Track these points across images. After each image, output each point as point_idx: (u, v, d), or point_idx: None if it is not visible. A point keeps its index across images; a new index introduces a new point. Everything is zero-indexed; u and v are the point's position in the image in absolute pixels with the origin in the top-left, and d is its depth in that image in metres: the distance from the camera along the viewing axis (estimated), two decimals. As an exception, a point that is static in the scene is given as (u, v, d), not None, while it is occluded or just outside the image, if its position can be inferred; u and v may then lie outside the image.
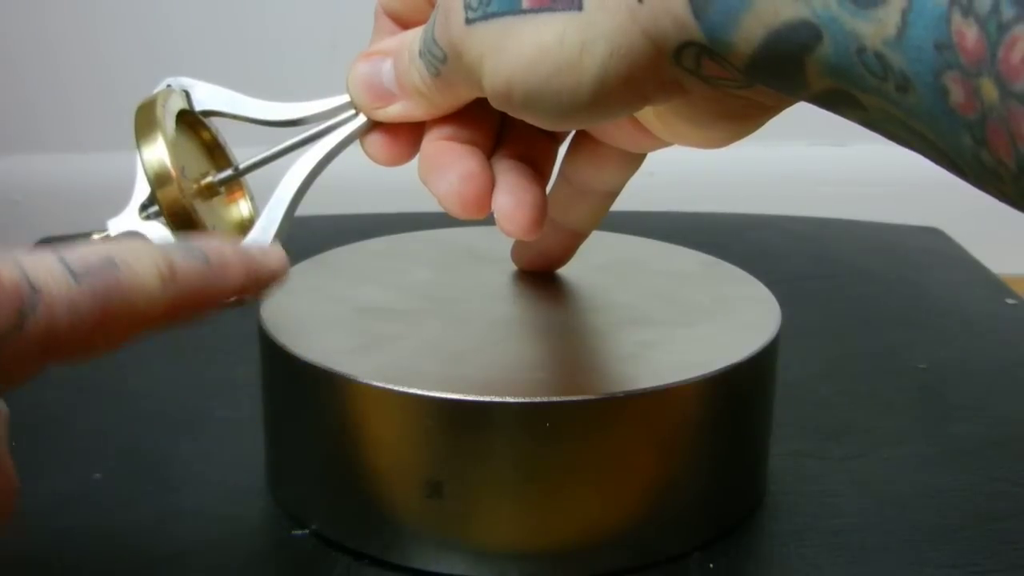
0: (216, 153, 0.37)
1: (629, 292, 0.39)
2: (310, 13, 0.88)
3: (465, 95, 0.31)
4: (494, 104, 0.29)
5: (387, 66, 0.32)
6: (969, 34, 0.20)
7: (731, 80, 0.25)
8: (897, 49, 0.21)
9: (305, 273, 0.41)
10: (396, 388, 0.32)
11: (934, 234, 0.67)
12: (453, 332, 0.36)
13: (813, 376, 0.47)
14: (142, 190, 0.35)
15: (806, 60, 0.23)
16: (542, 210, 0.31)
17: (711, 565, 0.34)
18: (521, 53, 0.27)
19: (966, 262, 0.63)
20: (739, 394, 0.35)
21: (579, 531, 0.33)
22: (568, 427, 0.31)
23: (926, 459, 0.40)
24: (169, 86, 0.35)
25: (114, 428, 0.42)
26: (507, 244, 0.44)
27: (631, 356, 0.34)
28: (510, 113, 0.29)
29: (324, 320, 0.37)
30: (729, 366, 0.33)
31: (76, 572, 0.33)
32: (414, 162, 0.34)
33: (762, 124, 0.30)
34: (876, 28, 0.21)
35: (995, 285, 0.59)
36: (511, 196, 0.31)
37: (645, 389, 0.32)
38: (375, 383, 0.32)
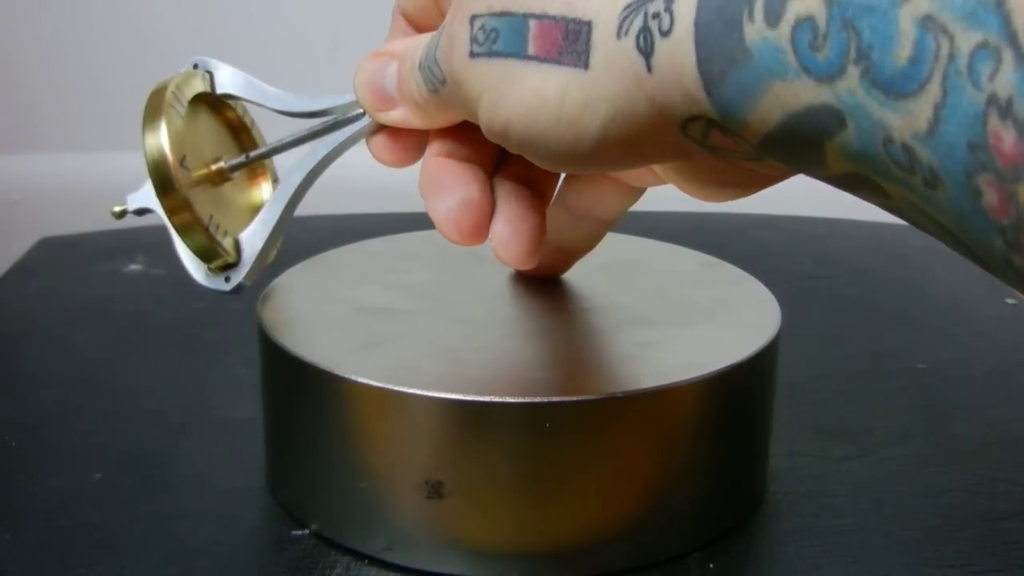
0: (242, 134, 0.37)
1: (629, 292, 0.39)
2: (310, 13, 0.88)
3: (462, 118, 0.30)
4: (489, 138, 0.28)
5: (392, 69, 0.32)
6: (1007, 137, 0.18)
7: (740, 153, 0.24)
8: (927, 144, 0.20)
9: (305, 273, 0.41)
10: (396, 388, 0.32)
11: (934, 234, 0.67)
12: (453, 332, 0.36)
13: (813, 376, 0.47)
14: None
15: (826, 144, 0.21)
16: (539, 241, 0.31)
17: (711, 565, 0.34)
18: (521, 99, 0.26)
19: (966, 262, 0.62)
20: (739, 394, 0.35)
21: (579, 531, 0.33)
22: (568, 427, 0.31)
23: (926, 459, 0.40)
24: (196, 66, 0.35)
25: (114, 428, 0.42)
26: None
27: (631, 356, 0.34)
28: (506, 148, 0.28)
29: (324, 320, 0.37)
30: (729, 366, 0.33)
31: (76, 572, 0.33)
32: (416, 166, 0.34)
33: (767, 187, 0.29)
34: (906, 120, 0.20)
35: (995, 285, 0.59)
36: (509, 225, 0.31)
37: (645, 389, 0.32)
38: (375, 383, 0.32)
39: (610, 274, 0.41)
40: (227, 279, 0.35)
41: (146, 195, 0.34)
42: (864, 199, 0.23)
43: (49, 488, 0.38)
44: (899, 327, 0.53)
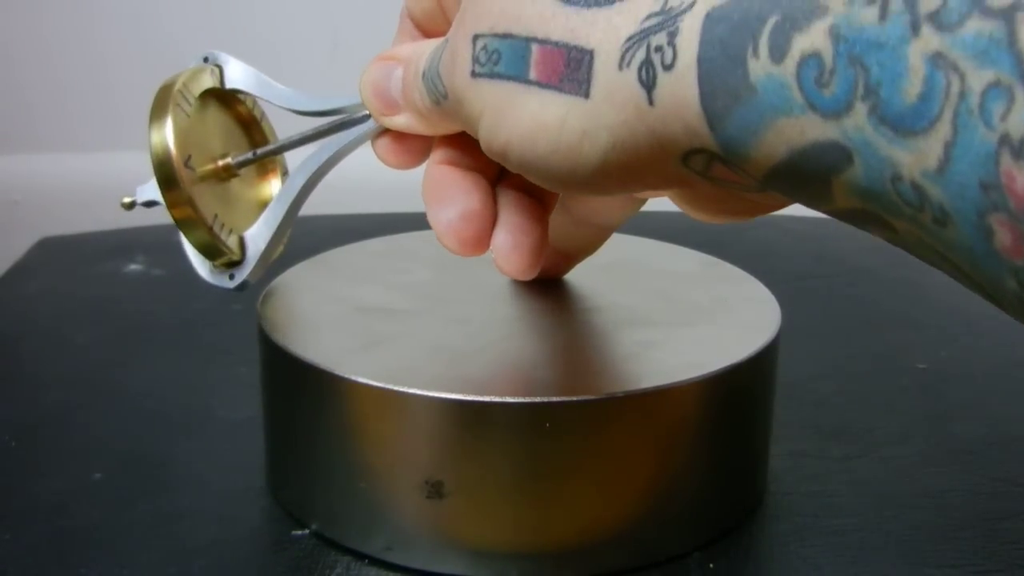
0: (252, 128, 0.37)
1: (629, 292, 0.39)
2: (310, 13, 0.88)
3: (463, 129, 0.30)
4: (489, 156, 0.28)
5: (397, 74, 0.31)
6: (1020, 178, 0.18)
7: (742, 185, 0.24)
8: (937, 182, 0.19)
9: (305, 273, 0.41)
10: (396, 388, 0.32)
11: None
12: (453, 332, 0.36)
13: (813, 376, 0.47)
14: None
15: (833, 181, 0.21)
16: (540, 254, 0.31)
17: (711, 565, 0.34)
18: (521, 122, 0.26)
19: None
20: (739, 394, 0.35)
21: (579, 531, 0.33)
22: (568, 427, 0.31)
23: (926, 459, 0.40)
24: (206, 60, 0.35)
25: (114, 428, 0.42)
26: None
27: (631, 356, 0.34)
28: None
29: (324, 320, 0.37)
30: (729, 366, 0.33)
31: (76, 572, 0.33)
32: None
33: (768, 213, 0.29)
34: (915, 158, 0.19)
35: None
36: (510, 237, 0.31)
37: (645, 389, 0.32)
38: (375, 383, 0.32)
39: (610, 274, 0.41)
40: (231, 276, 0.35)
41: (154, 188, 0.35)
42: (871, 233, 0.22)
43: (49, 488, 0.38)
44: (899, 327, 0.53)
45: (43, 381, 0.47)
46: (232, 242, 0.34)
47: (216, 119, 0.36)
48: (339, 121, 0.34)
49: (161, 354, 0.50)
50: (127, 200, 0.36)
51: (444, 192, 0.31)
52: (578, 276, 0.40)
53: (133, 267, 0.61)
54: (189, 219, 0.33)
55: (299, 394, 0.34)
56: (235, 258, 0.35)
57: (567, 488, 0.32)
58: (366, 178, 0.56)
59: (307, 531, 0.35)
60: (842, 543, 0.35)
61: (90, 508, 0.37)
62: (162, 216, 0.35)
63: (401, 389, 0.32)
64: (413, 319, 0.37)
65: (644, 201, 0.36)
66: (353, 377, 0.32)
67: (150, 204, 0.36)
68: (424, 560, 0.33)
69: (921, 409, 0.44)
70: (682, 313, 0.38)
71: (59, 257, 0.65)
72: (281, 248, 0.36)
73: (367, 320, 0.37)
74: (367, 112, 0.33)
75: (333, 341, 0.35)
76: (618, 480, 0.33)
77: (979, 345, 0.51)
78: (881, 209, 0.21)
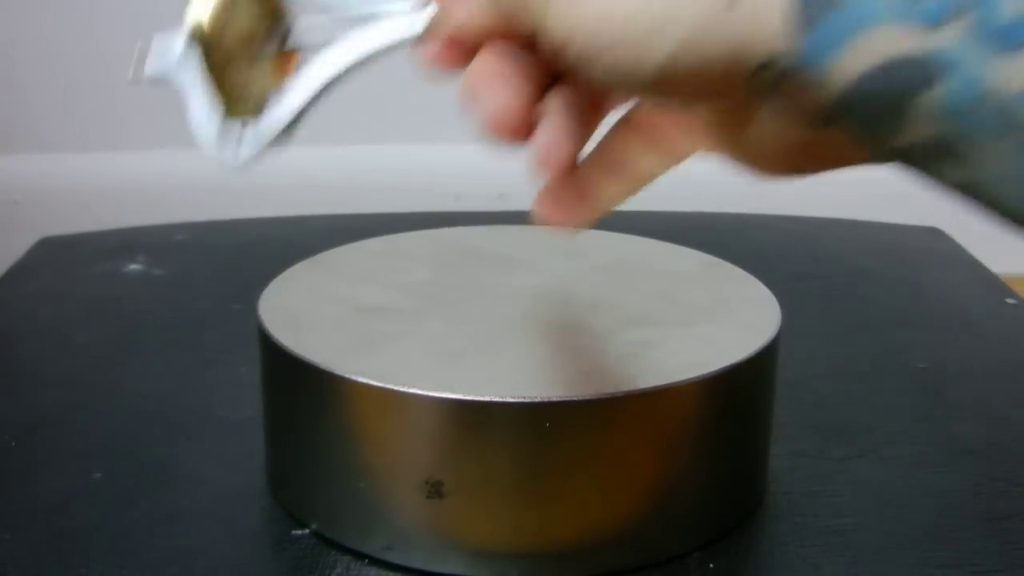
0: (282, 23, 0.36)
1: (629, 292, 0.39)
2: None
3: (526, 19, 0.28)
4: (547, 48, 0.27)
5: None
6: None
7: (807, 109, 0.23)
8: None
9: (305, 273, 0.41)
10: (396, 388, 0.32)
11: (934, 234, 0.67)
12: (453, 332, 0.36)
13: (813, 376, 0.47)
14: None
15: (914, 100, 0.20)
16: (574, 161, 0.29)
17: (711, 565, 0.34)
18: (589, 9, 0.25)
19: (966, 262, 0.63)
20: (739, 394, 0.35)
21: (579, 531, 0.33)
22: (568, 427, 0.31)
23: (926, 459, 0.40)
24: None
25: (114, 428, 0.42)
26: (507, 244, 0.44)
27: (631, 356, 0.34)
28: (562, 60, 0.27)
29: (324, 320, 0.37)
30: (729, 366, 0.33)
31: (76, 572, 0.33)
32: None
33: (815, 173, 0.27)
34: (1011, 77, 0.19)
35: (995, 285, 0.59)
36: (553, 132, 0.29)
37: (645, 389, 0.32)
38: (375, 383, 0.32)
39: (610, 274, 0.41)
40: (238, 143, 0.32)
41: (176, 40, 0.33)
42: (927, 175, 0.21)
43: (49, 488, 0.38)
44: (899, 327, 0.53)
45: (43, 381, 0.47)
46: (252, 102, 0.32)
47: (250, 8, 0.35)
48: (380, 16, 0.31)
49: (161, 354, 0.50)
50: (134, 72, 0.34)
51: (493, 79, 0.29)
52: (578, 276, 0.40)
53: (133, 267, 0.61)
54: (218, 87, 0.32)
55: (299, 394, 0.34)
56: (252, 114, 0.32)
57: (567, 488, 0.32)
58: (366, 178, 0.56)
59: (307, 531, 0.35)
60: (842, 543, 0.35)
61: (90, 508, 0.37)
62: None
63: (401, 389, 0.32)
64: (413, 319, 0.37)
65: (678, 161, 0.33)
66: (353, 377, 0.32)
67: (157, 82, 0.34)
68: (424, 560, 0.33)
69: (921, 409, 0.44)
70: (682, 313, 0.38)
71: (59, 257, 0.65)
72: (291, 136, 0.34)
73: (367, 320, 0.37)
74: (410, 13, 0.30)
75: (333, 341, 0.35)
76: (618, 480, 0.33)
77: (979, 345, 0.51)
78: (959, 134, 0.20)
